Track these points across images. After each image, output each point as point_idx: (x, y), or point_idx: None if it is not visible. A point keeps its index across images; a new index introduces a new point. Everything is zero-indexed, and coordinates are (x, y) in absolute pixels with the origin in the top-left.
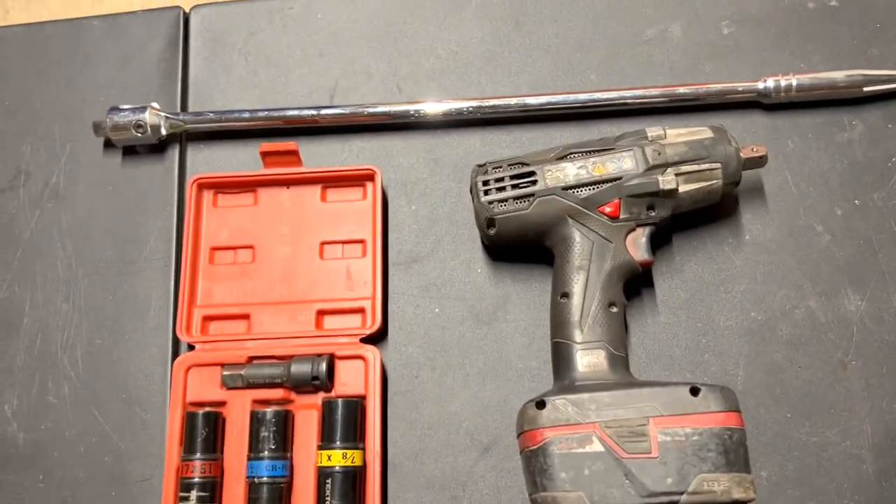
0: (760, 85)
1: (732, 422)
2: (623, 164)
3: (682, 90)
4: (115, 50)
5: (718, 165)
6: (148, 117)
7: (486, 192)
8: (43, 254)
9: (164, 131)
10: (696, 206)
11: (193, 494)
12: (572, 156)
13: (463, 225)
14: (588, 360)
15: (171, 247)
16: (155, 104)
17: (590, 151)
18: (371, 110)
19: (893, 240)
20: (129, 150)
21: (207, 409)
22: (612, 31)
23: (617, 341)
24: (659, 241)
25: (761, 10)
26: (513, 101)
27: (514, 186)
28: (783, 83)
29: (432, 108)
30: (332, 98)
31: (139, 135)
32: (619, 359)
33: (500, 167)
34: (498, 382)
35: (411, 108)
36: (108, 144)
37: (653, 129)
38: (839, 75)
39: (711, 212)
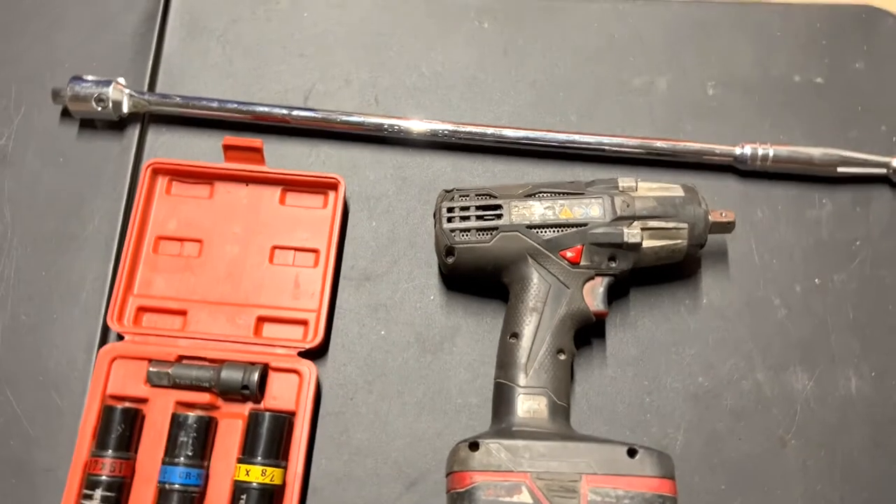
0: (738, 150)
1: (666, 489)
2: (591, 210)
3: (659, 144)
4: (88, 16)
5: (685, 225)
6: (111, 92)
7: (449, 220)
8: None
9: (126, 109)
10: (658, 263)
11: (98, 493)
12: (541, 195)
13: (422, 248)
14: (529, 405)
15: (115, 229)
16: (121, 79)
17: (559, 193)
18: (344, 118)
19: (848, 324)
20: (87, 124)
21: (127, 404)
22: (599, 75)
23: (560, 390)
24: (616, 293)
25: (748, 77)
26: (489, 130)
27: (479, 217)
28: (760, 152)
29: (407, 125)
30: (307, 100)
31: (99, 108)
32: (561, 408)
33: (468, 196)
34: (435, 415)
35: (386, 122)
36: (66, 114)
37: (625, 180)
38: (816, 152)
39: (672, 270)
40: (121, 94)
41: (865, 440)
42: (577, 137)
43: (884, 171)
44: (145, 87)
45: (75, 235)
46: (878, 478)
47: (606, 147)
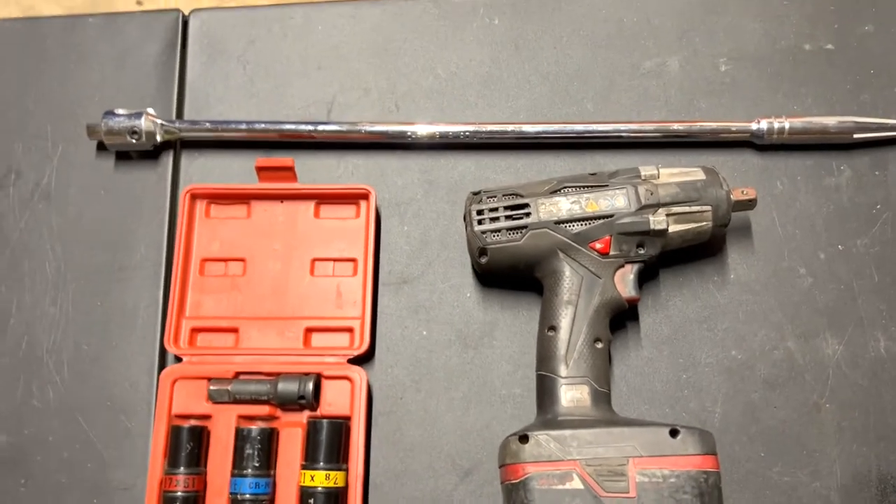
0: (754, 126)
1: (709, 465)
2: (616, 201)
3: (676, 126)
4: (112, 51)
5: (709, 208)
6: (143, 123)
7: (479, 222)
8: (32, 255)
9: (158, 138)
10: (684, 245)
11: None
12: (566, 190)
13: (454, 248)
14: (572, 395)
15: (161, 255)
16: (151, 110)
17: (584, 187)
18: (368, 129)
19: (873, 286)
20: (123, 155)
21: (193, 422)
22: (611, 62)
23: (601, 377)
24: (645, 277)
25: (758, 50)
26: (509, 127)
27: (508, 217)
28: (776, 125)
29: (429, 129)
30: (330, 112)
31: (134, 141)
32: (602, 395)
33: (495, 196)
34: (481, 408)
35: (408, 128)
36: (101, 147)
37: (646, 168)
38: (831, 121)
39: (699, 250)
40: (153, 125)
41: None
42: (594, 127)
43: None
44: (173, 115)
45: (124, 265)
46: None
47: (624, 133)
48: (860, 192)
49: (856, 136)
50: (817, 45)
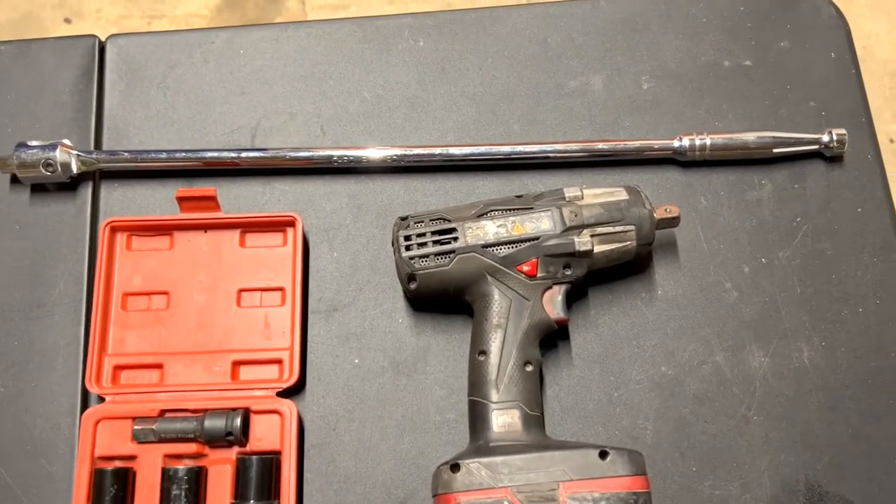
0: (676, 143)
1: (639, 485)
2: (541, 224)
3: (601, 146)
4: (25, 79)
5: (632, 228)
6: (58, 155)
7: (407, 248)
8: None
9: (75, 170)
10: (610, 264)
11: None
12: (492, 213)
13: (385, 273)
14: (503, 420)
15: (81, 291)
16: (66, 141)
17: (510, 210)
18: (293, 154)
19: (796, 298)
20: (39, 187)
21: (117, 463)
22: (536, 82)
23: (532, 401)
24: (575, 296)
25: (679, 67)
26: (437, 150)
27: (436, 243)
28: (698, 142)
29: (356, 154)
30: (254, 138)
31: (49, 173)
32: (534, 418)
33: (422, 222)
34: (416, 435)
35: (335, 153)
36: (15, 180)
37: (571, 190)
38: (750, 137)
39: (626, 267)
40: (68, 156)
41: (821, 407)
42: (521, 148)
43: (816, 146)
44: (91, 145)
45: (42, 302)
46: (836, 441)
47: (550, 154)
48: (781, 205)
49: (775, 150)
50: (736, 62)
